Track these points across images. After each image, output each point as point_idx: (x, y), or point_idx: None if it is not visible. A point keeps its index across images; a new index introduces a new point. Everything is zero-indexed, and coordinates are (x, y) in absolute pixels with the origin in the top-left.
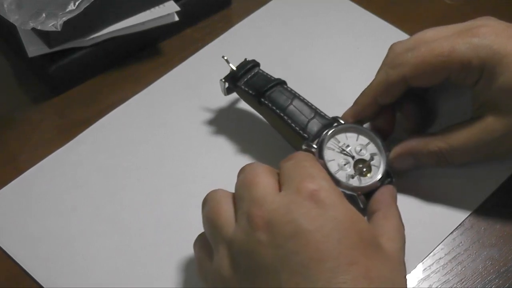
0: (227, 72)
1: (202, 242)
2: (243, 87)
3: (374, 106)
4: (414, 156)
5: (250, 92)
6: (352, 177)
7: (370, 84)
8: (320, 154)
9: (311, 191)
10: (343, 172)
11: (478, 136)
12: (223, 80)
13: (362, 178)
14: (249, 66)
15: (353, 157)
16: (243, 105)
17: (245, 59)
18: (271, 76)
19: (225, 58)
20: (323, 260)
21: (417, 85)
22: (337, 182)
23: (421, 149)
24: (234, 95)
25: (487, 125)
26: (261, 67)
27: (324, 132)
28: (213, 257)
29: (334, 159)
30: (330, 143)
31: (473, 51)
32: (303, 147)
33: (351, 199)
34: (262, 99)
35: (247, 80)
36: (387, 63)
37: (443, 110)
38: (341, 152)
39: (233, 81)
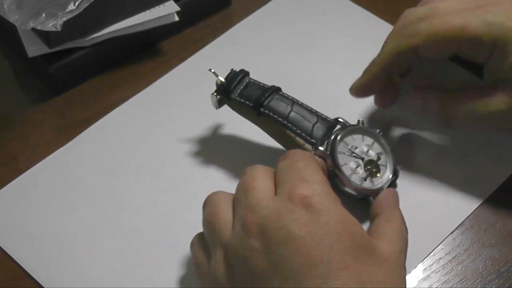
0: (226, 73)
1: (201, 244)
2: (238, 98)
3: (383, 77)
4: (422, 100)
5: (247, 103)
6: (365, 179)
7: (379, 53)
8: (334, 161)
9: (303, 197)
10: (356, 176)
11: (485, 104)
12: (215, 94)
13: (373, 179)
14: (240, 77)
15: (362, 159)
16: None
17: (232, 69)
18: (264, 84)
19: (213, 71)
20: (314, 265)
21: (426, 56)
22: (352, 187)
23: (429, 103)
24: None
25: (496, 97)
26: (260, 68)
27: (333, 136)
28: (210, 259)
29: (346, 163)
30: (340, 147)
31: (486, 28)
32: (312, 152)
33: (363, 200)
34: (262, 109)
35: (241, 91)
36: (398, 31)
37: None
38: (351, 155)
39: (225, 93)
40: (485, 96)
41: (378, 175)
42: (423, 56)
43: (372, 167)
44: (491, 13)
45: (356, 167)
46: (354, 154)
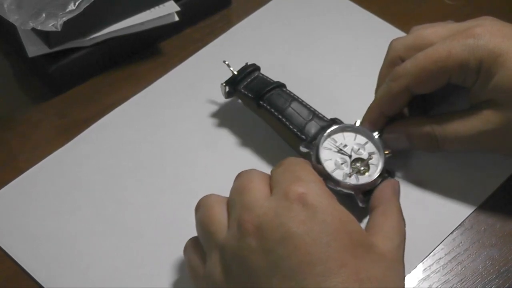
0: (227, 72)
1: (195, 247)
2: (242, 90)
3: (382, 119)
4: (407, 136)
5: (249, 95)
6: (350, 175)
7: (374, 98)
8: (316, 155)
9: (299, 194)
10: (340, 171)
11: (472, 124)
12: (223, 84)
13: (359, 176)
14: (249, 70)
15: (350, 156)
16: (243, 105)
17: (246, 63)
18: (271, 79)
19: (226, 62)
20: (313, 263)
21: (421, 92)
22: (334, 181)
23: (415, 130)
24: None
25: (482, 116)
26: (261, 67)
27: (322, 133)
28: (205, 262)
29: (331, 158)
30: (327, 143)
31: (470, 53)
32: (301, 148)
33: (350, 198)
34: (261, 102)
35: (247, 83)
36: (387, 63)
37: (442, 108)
38: (338, 152)
39: (233, 85)
40: (472, 116)
41: (366, 173)
42: (418, 93)
43: (361, 165)
44: (473, 37)
45: (342, 163)
46: (342, 151)
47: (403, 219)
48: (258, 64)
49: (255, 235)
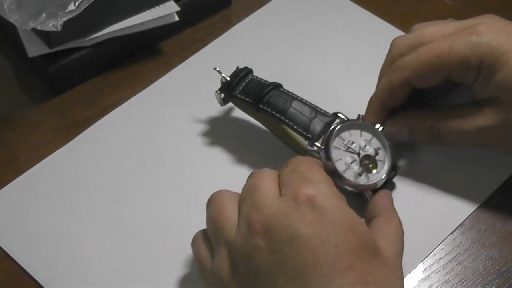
0: (227, 72)
1: (203, 240)
2: (239, 95)
3: (384, 112)
4: (410, 129)
5: (247, 100)
6: (360, 174)
7: (375, 91)
8: (327, 155)
9: (308, 196)
10: (351, 171)
11: (473, 120)
12: (218, 91)
13: (369, 175)
14: (242, 74)
15: (358, 154)
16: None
17: (237, 67)
18: (265, 81)
19: (217, 69)
20: (320, 265)
21: (420, 86)
22: (346, 182)
23: (417, 123)
24: None
25: (483, 113)
26: (261, 68)
27: (329, 131)
28: (214, 257)
29: (341, 158)
30: (336, 142)
31: (472, 50)
32: (308, 147)
33: (359, 196)
34: (260, 105)
35: (243, 88)
36: (389, 61)
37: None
38: (346, 150)
39: (228, 91)
40: (473, 112)
41: (374, 170)
42: (417, 86)
43: (369, 163)
44: (476, 34)
45: (351, 162)
46: (350, 149)
47: (403, 230)
48: (258, 64)
49: (263, 235)
